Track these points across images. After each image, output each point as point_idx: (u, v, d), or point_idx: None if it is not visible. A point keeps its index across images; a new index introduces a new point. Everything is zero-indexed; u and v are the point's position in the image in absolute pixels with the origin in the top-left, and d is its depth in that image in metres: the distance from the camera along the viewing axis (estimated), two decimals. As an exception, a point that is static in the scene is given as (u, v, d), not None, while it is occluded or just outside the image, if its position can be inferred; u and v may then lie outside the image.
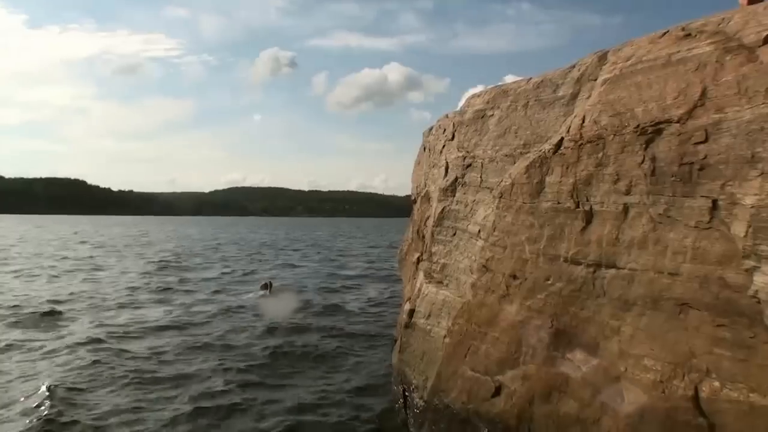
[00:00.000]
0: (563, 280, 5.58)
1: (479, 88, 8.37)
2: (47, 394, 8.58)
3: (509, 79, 8.17)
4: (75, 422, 7.74)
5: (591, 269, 5.28)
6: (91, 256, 34.57)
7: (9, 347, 11.48)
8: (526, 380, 5.82)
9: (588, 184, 5.42)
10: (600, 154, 5.31)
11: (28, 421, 7.72)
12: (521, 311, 6.06)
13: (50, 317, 14.68)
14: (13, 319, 14.28)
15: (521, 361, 5.96)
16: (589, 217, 5.38)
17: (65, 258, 32.82)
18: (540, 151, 6.17)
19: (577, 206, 5.51)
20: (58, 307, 15.93)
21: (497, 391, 6.22)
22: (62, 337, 12.48)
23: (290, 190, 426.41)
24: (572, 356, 5.38)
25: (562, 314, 5.54)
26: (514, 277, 6.22)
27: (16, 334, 12.66)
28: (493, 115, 7.42)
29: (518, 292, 6.16)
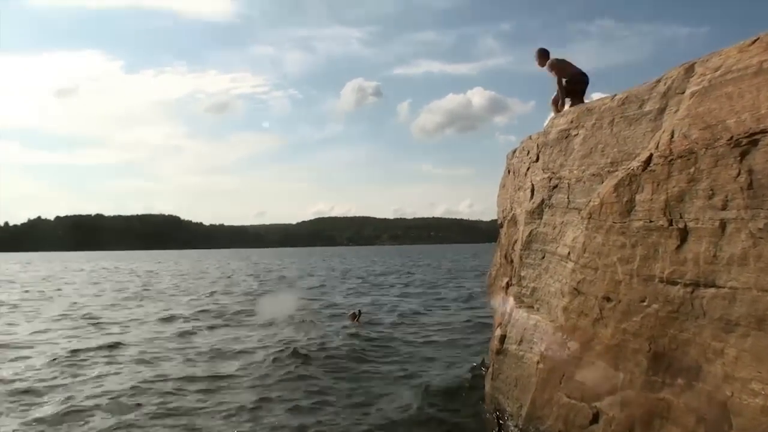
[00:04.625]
0: (660, 301, 5.38)
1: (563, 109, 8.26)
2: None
3: (594, 96, 8.04)
4: None
5: (689, 289, 5.07)
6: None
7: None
8: (626, 406, 5.62)
9: (681, 201, 5.23)
10: (692, 169, 5.13)
11: None
12: (617, 334, 5.88)
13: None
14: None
15: (619, 386, 5.76)
16: (683, 234, 5.18)
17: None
18: (628, 168, 6.02)
19: (671, 224, 5.32)
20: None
21: (595, 418, 6.03)
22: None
23: (375, 218, 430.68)
24: (673, 381, 5.16)
25: (660, 337, 5.34)
26: (608, 299, 6.05)
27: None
28: (577, 134, 7.31)
29: (612, 314, 5.98)
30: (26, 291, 35.58)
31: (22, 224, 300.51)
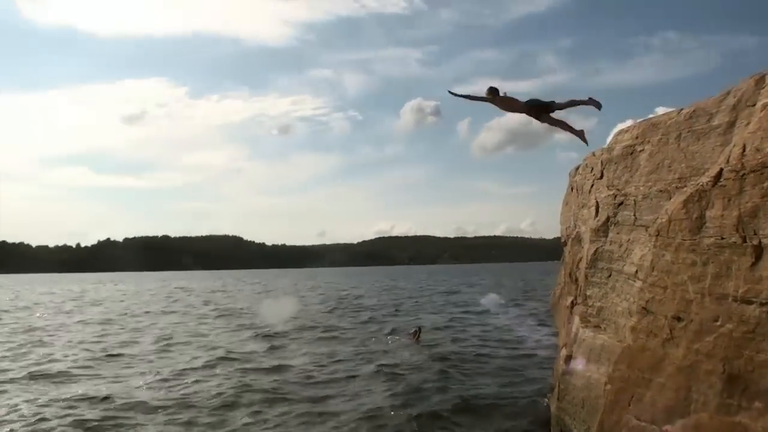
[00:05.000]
0: (734, 321, 5.19)
1: (627, 123, 8.10)
2: None
3: (659, 111, 7.88)
4: None
5: (765, 308, 4.88)
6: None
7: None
8: (698, 430, 5.42)
9: (754, 217, 5.06)
10: (766, 184, 4.96)
11: None
12: (689, 355, 5.69)
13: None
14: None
15: (692, 409, 5.56)
16: (758, 252, 5.00)
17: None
18: (697, 184, 5.86)
19: (744, 241, 5.14)
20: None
21: (667, 441, 5.84)
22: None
23: (436, 237, 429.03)
24: (750, 404, 4.95)
25: (735, 358, 5.14)
26: (678, 319, 5.88)
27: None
28: (643, 150, 7.17)
29: (684, 334, 5.80)
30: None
31: (92, 245, 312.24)
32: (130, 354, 17.42)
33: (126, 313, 32.89)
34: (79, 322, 28.18)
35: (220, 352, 17.21)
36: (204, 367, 15.04)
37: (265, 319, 27.21)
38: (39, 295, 58.94)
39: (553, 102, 8.24)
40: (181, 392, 12.16)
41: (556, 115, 8.27)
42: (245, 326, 24.60)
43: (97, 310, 36.62)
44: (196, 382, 13.17)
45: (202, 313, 31.99)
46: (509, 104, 8.37)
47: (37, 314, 33.41)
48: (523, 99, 7.76)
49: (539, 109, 8.35)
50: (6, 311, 35.78)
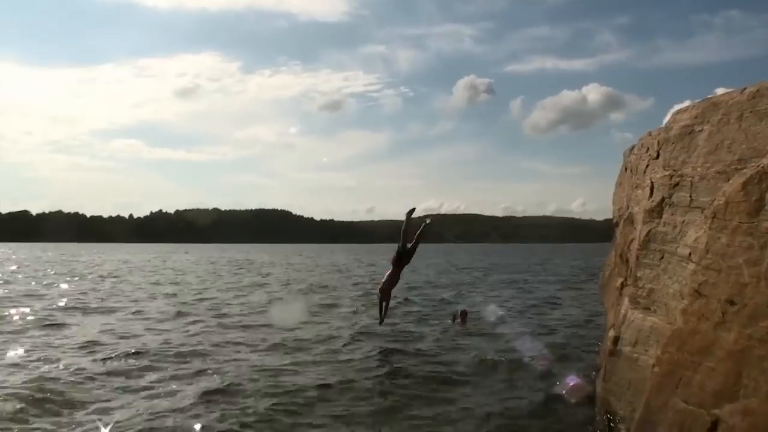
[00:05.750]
0: (790, 307, 5.09)
1: (686, 104, 7.91)
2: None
3: (719, 91, 7.65)
4: None
5: (824, 294, 4.77)
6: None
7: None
8: (748, 416, 5.35)
9: (817, 201, 4.92)
10: (831, 167, 4.80)
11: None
12: (740, 340, 5.60)
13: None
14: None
15: (741, 394, 5.49)
16: (819, 236, 4.87)
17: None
18: (758, 166, 5.71)
19: (805, 225, 5.01)
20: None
21: (713, 426, 5.77)
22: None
23: (484, 216, 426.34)
24: (803, 390, 4.87)
25: (789, 344, 5.05)
26: (732, 302, 5.77)
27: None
28: (702, 130, 6.99)
29: (737, 319, 5.70)
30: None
31: (145, 217, 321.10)
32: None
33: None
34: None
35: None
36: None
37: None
38: (120, 263, 61.65)
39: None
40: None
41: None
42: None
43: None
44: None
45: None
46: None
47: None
48: None
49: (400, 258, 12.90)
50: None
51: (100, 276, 40.24)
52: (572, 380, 10.26)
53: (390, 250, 14.29)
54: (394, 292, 13.82)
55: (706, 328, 6.10)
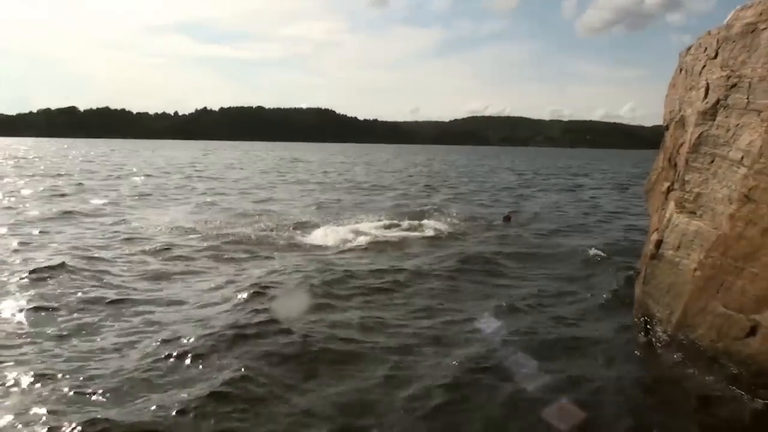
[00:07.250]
0: (843, 213, 4.96)
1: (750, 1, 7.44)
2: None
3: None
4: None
5: None
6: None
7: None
8: (789, 320, 5.35)
9: None
10: None
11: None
12: (788, 246, 5.52)
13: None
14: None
15: (784, 299, 5.47)
16: None
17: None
18: (823, 66, 5.41)
19: None
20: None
21: (752, 330, 5.81)
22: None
23: (530, 119, 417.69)
24: None
25: (838, 251, 4.96)
26: (782, 208, 5.65)
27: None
28: (766, 28, 6.60)
29: (785, 225, 5.59)
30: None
31: (190, 114, 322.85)
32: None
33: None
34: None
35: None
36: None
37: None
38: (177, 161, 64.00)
39: None
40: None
41: None
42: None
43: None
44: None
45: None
46: None
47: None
48: None
49: None
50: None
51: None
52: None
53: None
54: None
55: (753, 234, 6.01)
